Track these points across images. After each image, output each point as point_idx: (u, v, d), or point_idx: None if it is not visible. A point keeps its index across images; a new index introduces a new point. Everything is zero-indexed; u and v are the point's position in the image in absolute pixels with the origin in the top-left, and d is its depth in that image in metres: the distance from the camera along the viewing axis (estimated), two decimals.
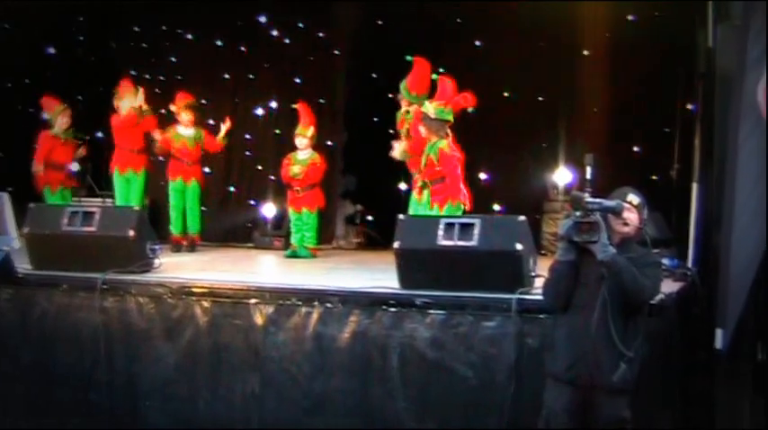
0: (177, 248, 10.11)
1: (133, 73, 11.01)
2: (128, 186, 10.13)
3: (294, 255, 9.87)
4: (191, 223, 10.27)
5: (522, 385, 5.90)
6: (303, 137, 10.01)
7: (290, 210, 10.04)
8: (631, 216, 5.05)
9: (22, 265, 7.23)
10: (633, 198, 5.11)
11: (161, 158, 10.49)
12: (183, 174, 10.18)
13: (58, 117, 10.32)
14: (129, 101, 10.01)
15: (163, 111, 10.50)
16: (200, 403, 6.69)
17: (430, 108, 7.86)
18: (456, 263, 6.38)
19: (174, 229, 10.22)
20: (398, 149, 8.46)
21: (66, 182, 10.46)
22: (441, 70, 8.24)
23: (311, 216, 9.95)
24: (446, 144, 7.80)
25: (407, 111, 8.49)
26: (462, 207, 7.72)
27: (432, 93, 8.18)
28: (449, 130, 7.90)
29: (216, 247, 10.70)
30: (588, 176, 5.10)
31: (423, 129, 7.91)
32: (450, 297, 6.25)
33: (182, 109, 10.11)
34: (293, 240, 10.01)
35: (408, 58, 8.51)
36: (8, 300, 7.18)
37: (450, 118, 7.89)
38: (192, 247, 10.24)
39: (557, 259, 5.09)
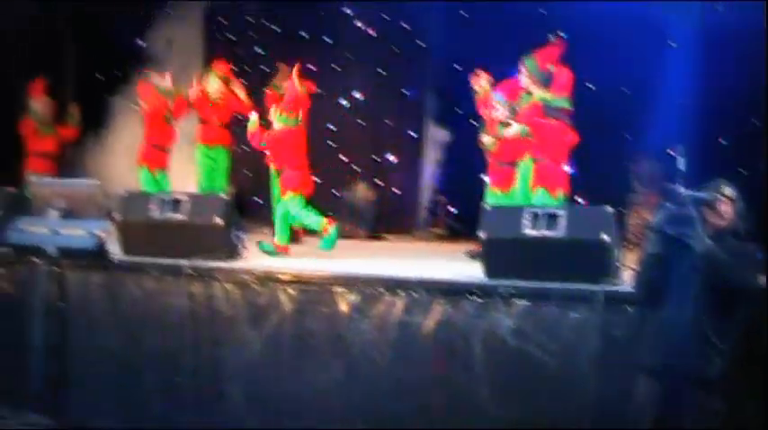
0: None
1: None
2: (212, 164, 10.18)
3: None
4: None
5: (607, 376, 5.85)
6: None
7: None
8: (726, 209, 4.99)
9: (113, 251, 7.38)
10: (728, 190, 5.04)
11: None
12: None
13: None
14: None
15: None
16: (285, 388, 6.78)
17: (547, 96, 7.85)
18: (541, 253, 6.37)
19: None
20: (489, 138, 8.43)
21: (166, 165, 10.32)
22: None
23: None
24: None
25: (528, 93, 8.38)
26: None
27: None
28: (567, 118, 7.89)
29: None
30: (681, 167, 5.04)
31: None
32: (535, 287, 6.24)
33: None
34: None
35: (550, 36, 8.38)
36: (99, 284, 7.37)
37: (568, 105, 7.86)
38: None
39: (647, 251, 5.05)
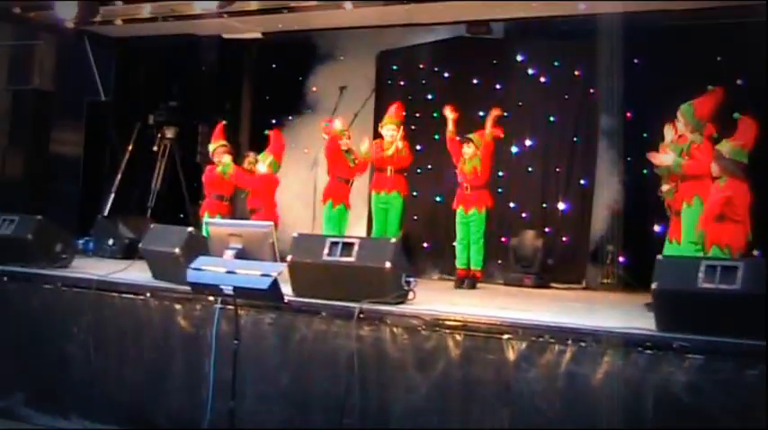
0: (460, 283, 10.15)
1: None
2: (386, 211, 10.35)
3: None
4: (474, 256, 10.12)
5: None
6: None
7: None
8: None
9: (285, 292, 7.54)
10: None
11: None
12: (464, 202, 10.15)
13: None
14: (389, 128, 10.35)
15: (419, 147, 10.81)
16: None
17: (725, 146, 7.59)
18: (717, 306, 6.16)
19: (459, 263, 10.23)
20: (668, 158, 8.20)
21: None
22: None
23: None
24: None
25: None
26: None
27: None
28: (742, 173, 7.55)
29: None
30: None
31: (715, 168, 7.65)
32: (710, 341, 6.04)
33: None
34: None
35: (710, 87, 8.21)
36: (270, 323, 7.54)
37: (745, 160, 7.55)
38: (471, 284, 10.12)
39: None
